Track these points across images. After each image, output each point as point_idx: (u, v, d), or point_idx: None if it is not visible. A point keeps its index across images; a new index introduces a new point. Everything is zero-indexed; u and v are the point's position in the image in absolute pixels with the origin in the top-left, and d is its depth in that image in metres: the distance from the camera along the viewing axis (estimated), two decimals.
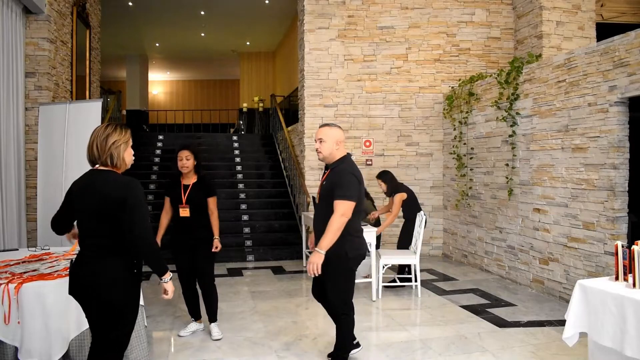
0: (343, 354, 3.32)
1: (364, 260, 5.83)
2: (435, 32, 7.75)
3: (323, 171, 3.20)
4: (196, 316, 4.14)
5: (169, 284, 2.37)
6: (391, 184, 5.65)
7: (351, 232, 3.08)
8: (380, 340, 3.97)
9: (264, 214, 8.38)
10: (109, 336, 2.26)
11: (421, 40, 7.74)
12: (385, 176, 5.72)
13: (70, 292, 2.31)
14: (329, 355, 3.48)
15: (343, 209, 2.98)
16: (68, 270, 3.06)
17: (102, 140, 2.28)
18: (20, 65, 5.68)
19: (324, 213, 3.10)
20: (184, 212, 3.86)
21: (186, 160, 3.92)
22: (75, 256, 2.37)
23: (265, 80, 16.15)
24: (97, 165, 2.33)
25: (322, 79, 7.60)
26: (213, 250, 3.93)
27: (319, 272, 2.98)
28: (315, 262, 2.95)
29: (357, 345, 3.54)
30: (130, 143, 2.41)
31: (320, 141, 3.18)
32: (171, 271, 2.43)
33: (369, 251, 5.11)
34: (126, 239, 2.21)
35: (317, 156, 3.27)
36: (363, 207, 3.26)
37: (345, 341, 3.29)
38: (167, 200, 4.02)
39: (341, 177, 3.06)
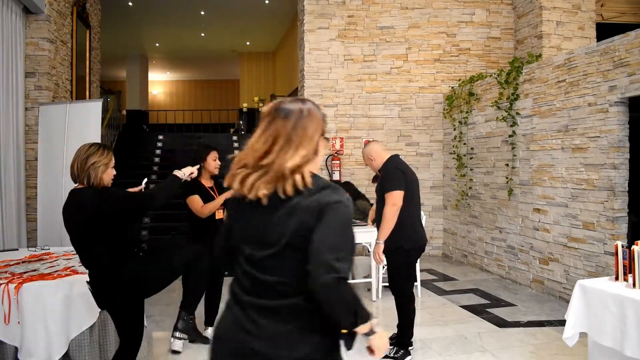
0: (404, 340, 3.51)
1: (364, 260, 5.85)
2: (435, 32, 7.75)
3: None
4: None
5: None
6: None
7: (407, 223, 3.37)
8: None
9: None
10: (128, 335, 2.47)
11: (421, 40, 7.74)
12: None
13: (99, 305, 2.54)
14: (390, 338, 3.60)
15: (393, 199, 3.31)
16: (68, 270, 3.06)
17: (83, 160, 2.38)
18: (20, 65, 5.67)
19: (380, 208, 3.47)
20: (220, 214, 3.78)
21: (219, 161, 3.82)
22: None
23: (265, 80, 16.15)
24: (76, 184, 2.43)
25: (322, 79, 7.60)
26: None
27: (382, 261, 3.40)
28: (376, 251, 3.40)
29: (410, 352, 3.54)
30: (112, 164, 2.49)
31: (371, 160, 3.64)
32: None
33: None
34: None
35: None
36: (417, 199, 3.55)
37: (405, 330, 3.52)
38: (198, 197, 3.73)
39: (387, 173, 3.47)
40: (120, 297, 2.39)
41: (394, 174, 3.40)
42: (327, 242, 1.30)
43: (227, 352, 1.41)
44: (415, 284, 5.33)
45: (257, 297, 1.38)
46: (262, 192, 1.37)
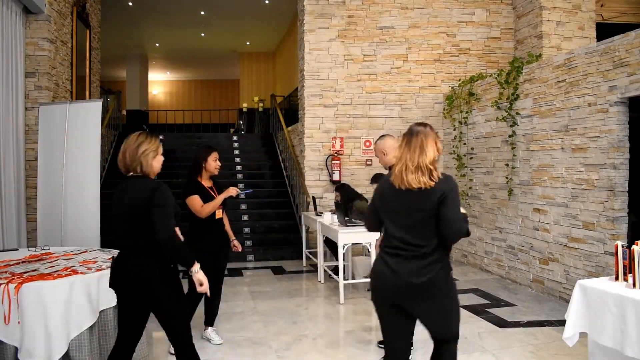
0: None
1: (364, 260, 5.84)
2: (435, 32, 7.76)
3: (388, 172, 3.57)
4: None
5: (199, 273, 2.46)
6: None
7: None
8: (380, 340, 3.96)
9: (264, 214, 8.38)
10: (169, 328, 2.48)
11: (421, 40, 7.74)
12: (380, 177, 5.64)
13: (111, 286, 2.51)
14: (379, 343, 3.78)
15: None
16: (68, 270, 3.06)
17: (134, 150, 2.46)
18: (20, 65, 5.68)
19: None
20: (219, 214, 3.83)
21: (219, 162, 3.83)
22: (117, 255, 2.54)
23: (265, 80, 16.15)
24: (130, 173, 2.50)
25: (322, 79, 7.60)
26: (233, 250, 4.01)
27: None
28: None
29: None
30: (160, 151, 2.56)
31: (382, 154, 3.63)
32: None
33: (369, 251, 5.11)
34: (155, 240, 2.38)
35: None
36: None
37: None
38: (198, 198, 3.71)
39: None
40: (161, 288, 2.43)
41: None
42: (457, 209, 2.23)
43: (388, 285, 2.30)
44: None
45: (405, 250, 2.28)
46: (415, 184, 2.25)
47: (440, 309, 2.32)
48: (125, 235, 2.47)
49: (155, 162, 2.52)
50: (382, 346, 3.74)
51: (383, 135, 3.72)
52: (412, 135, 2.40)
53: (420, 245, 2.25)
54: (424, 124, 2.45)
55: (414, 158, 2.28)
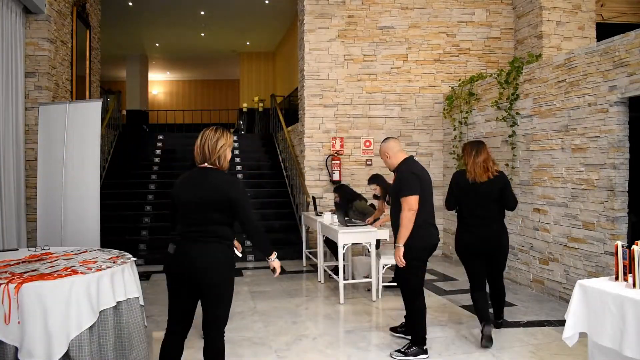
0: (415, 338, 3.60)
1: (364, 260, 5.84)
2: (435, 32, 7.76)
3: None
4: None
5: (276, 261, 2.80)
6: (386, 185, 5.62)
7: (419, 223, 3.50)
8: (380, 340, 3.97)
9: (264, 214, 8.38)
10: (216, 313, 2.61)
11: (421, 40, 7.74)
12: (378, 179, 5.65)
13: (169, 270, 2.66)
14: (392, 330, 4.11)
15: (409, 204, 3.46)
16: (68, 270, 3.06)
17: (214, 143, 2.65)
18: (20, 65, 5.68)
19: (395, 210, 3.63)
20: None
21: None
22: (177, 240, 2.66)
23: (265, 80, 16.15)
24: (204, 164, 2.67)
25: (322, 79, 7.60)
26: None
27: (403, 263, 3.50)
28: (396, 254, 3.52)
29: (426, 351, 3.60)
30: (232, 145, 2.77)
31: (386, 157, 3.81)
32: None
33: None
34: (243, 229, 2.67)
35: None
36: (430, 199, 3.68)
37: (416, 327, 3.61)
38: None
39: (403, 177, 3.57)
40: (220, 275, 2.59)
41: (410, 179, 3.52)
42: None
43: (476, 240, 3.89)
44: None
45: (482, 219, 3.89)
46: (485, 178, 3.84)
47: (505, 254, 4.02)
48: (196, 222, 2.59)
49: (229, 155, 2.74)
50: (394, 334, 4.01)
51: (387, 138, 3.83)
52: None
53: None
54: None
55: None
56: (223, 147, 2.67)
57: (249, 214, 2.64)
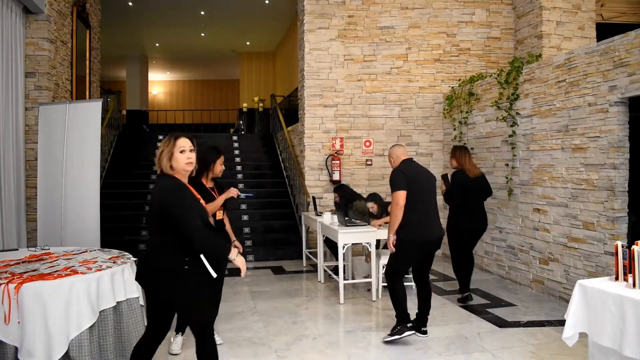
0: (397, 316, 3.89)
1: (364, 260, 5.82)
2: (435, 32, 7.76)
3: None
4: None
5: (238, 258, 2.55)
6: (383, 204, 5.64)
7: (413, 222, 3.77)
8: (380, 340, 3.97)
9: (264, 213, 8.38)
10: (191, 318, 2.60)
11: (421, 40, 7.74)
12: (376, 197, 5.73)
13: (137, 279, 2.66)
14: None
15: (396, 199, 3.79)
16: (68, 270, 3.06)
17: (158, 152, 2.65)
18: (20, 65, 5.68)
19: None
20: (220, 214, 3.80)
21: (223, 166, 3.84)
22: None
23: (265, 80, 16.15)
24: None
25: (322, 79, 7.60)
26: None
27: (393, 250, 3.83)
28: (388, 242, 3.86)
29: (411, 328, 3.85)
30: (176, 150, 2.58)
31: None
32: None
33: (367, 249, 5.11)
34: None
35: None
36: (428, 198, 3.91)
37: (396, 308, 3.90)
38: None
39: (391, 175, 3.94)
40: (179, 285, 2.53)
41: (396, 177, 3.86)
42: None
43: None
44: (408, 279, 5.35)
45: (481, 207, 5.10)
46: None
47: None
48: (149, 232, 2.68)
49: (173, 162, 2.59)
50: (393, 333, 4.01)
51: (393, 145, 4.18)
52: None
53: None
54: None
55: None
56: (161, 153, 2.60)
57: (186, 220, 2.43)
